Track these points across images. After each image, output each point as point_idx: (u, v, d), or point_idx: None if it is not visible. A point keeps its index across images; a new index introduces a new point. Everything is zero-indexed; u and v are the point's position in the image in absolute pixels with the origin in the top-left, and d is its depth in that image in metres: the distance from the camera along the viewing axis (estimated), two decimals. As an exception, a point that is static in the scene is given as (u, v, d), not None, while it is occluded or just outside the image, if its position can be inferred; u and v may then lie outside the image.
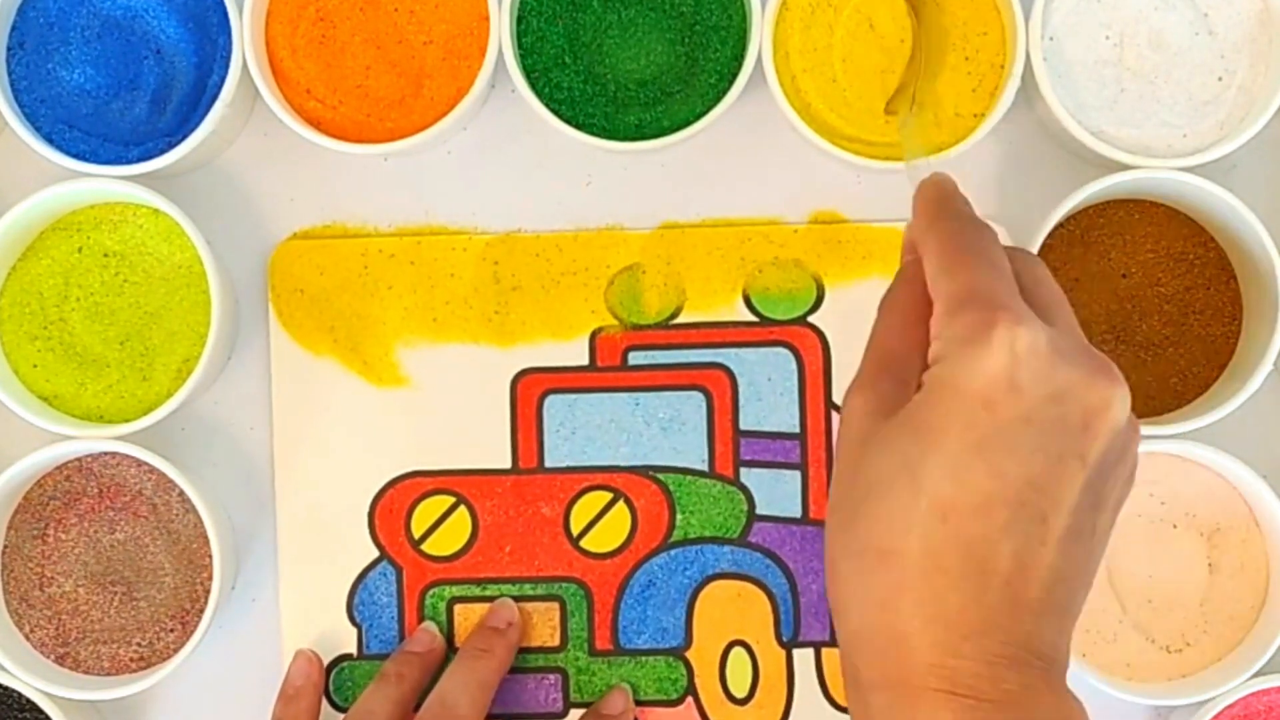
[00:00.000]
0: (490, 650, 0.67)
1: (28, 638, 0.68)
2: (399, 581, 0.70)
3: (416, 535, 0.70)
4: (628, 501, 0.70)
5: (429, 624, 0.69)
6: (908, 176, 0.58)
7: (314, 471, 0.70)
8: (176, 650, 0.67)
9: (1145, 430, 0.66)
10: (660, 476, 0.70)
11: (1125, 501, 0.51)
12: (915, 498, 0.46)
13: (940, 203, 0.53)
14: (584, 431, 0.70)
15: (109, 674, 0.68)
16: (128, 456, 0.68)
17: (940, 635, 0.46)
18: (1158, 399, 0.68)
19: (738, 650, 0.70)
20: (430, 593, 0.70)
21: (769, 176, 0.70)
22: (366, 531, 0.70)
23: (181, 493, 0.68)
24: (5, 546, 0.69)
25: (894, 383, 0.49)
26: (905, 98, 0.65)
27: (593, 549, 0.70)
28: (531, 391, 0.70)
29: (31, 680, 0.66)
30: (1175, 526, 0.68)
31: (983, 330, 0.46)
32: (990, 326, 0.46)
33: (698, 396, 0.70)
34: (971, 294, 0.48)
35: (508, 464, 0.70)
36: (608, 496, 0.70)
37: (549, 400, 0.70)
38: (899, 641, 0.47)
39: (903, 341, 0.50)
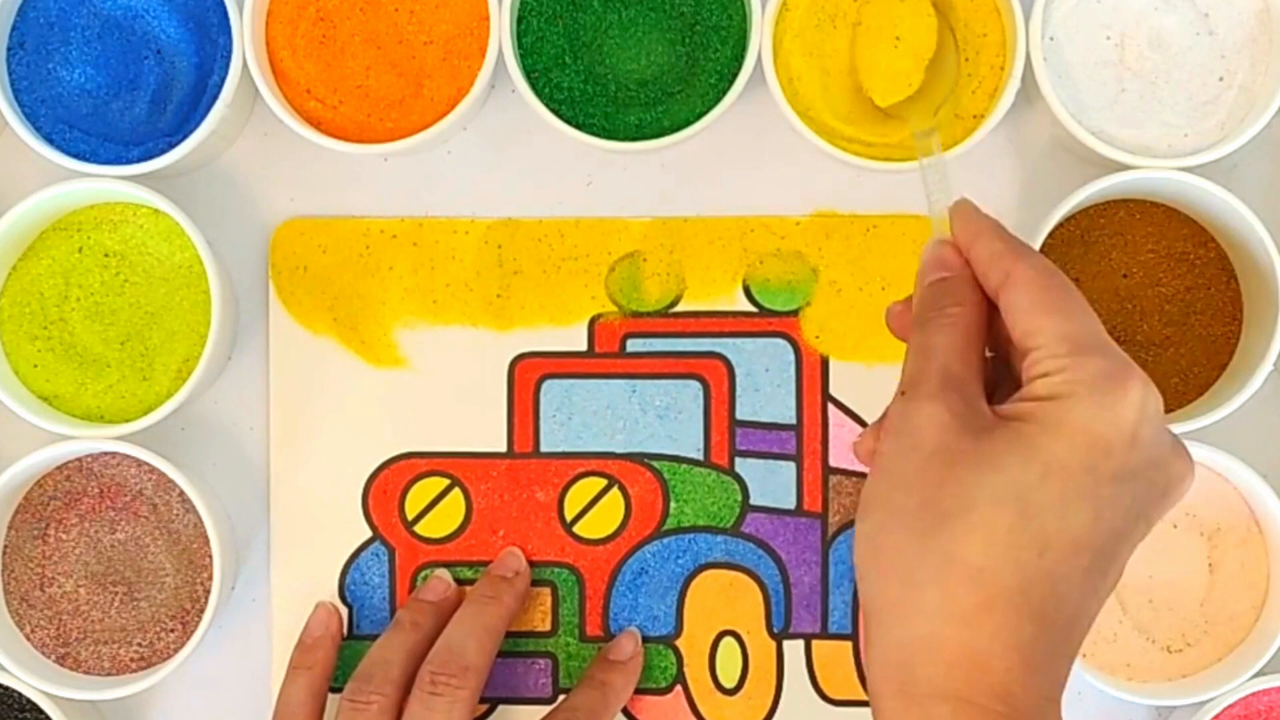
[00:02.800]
0: (497, 597, 0.67)
1: (28, 638, 0.68)
2: (391, 562, 0.70)
3: (410, 516, 0.70)
4: (622, 488, 0.70)
5: (443, 572, 0.69)
6: (923, 182, 0.59)
7: (309, 450, 0.70)
8: (176, 650, 0.67)
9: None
10: (655, 464, 0.70)
11: None
12: (1022, 524, 0.47)
13: (1006, 234, 0.53)
14: (580, 417, 0.70)
15: (109, 674, 0.68)
16: (128, 456, 0.68)
17: (1015, 662, 0.47)
18: (1158, 399, 0.68)
19: (728, 640, 0.70)
20: (422, 574, 0.70)
21: (768, 176, 0.70)
22: (360, 511, 0.70)
23: (181, 493, 0.68)
24: (5, 546, 0.69)
25: (963, 401, 0.50)
26: (928, 106, 0.64)
27: (586, 535, 0.70)
28: (529, 376, 0.70)
29: (32, 680, 0.66)
30: (1175, 526, 0.68)
31: (1119, 382, 0.48)
32: (1127, 380, 0.48)
33: (695, 385, 0.70)
34: (1095, 341, 0.49)
35: (503, 447, 0.70)
36: (602, 483, 0.70)
37: (546, 385, 0.70)
38: (974, 658, 0.47)
39: (963, 363, 0.51)
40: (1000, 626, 0.47)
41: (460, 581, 0.70)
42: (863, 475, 0.69)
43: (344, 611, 0.70)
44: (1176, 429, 0.66)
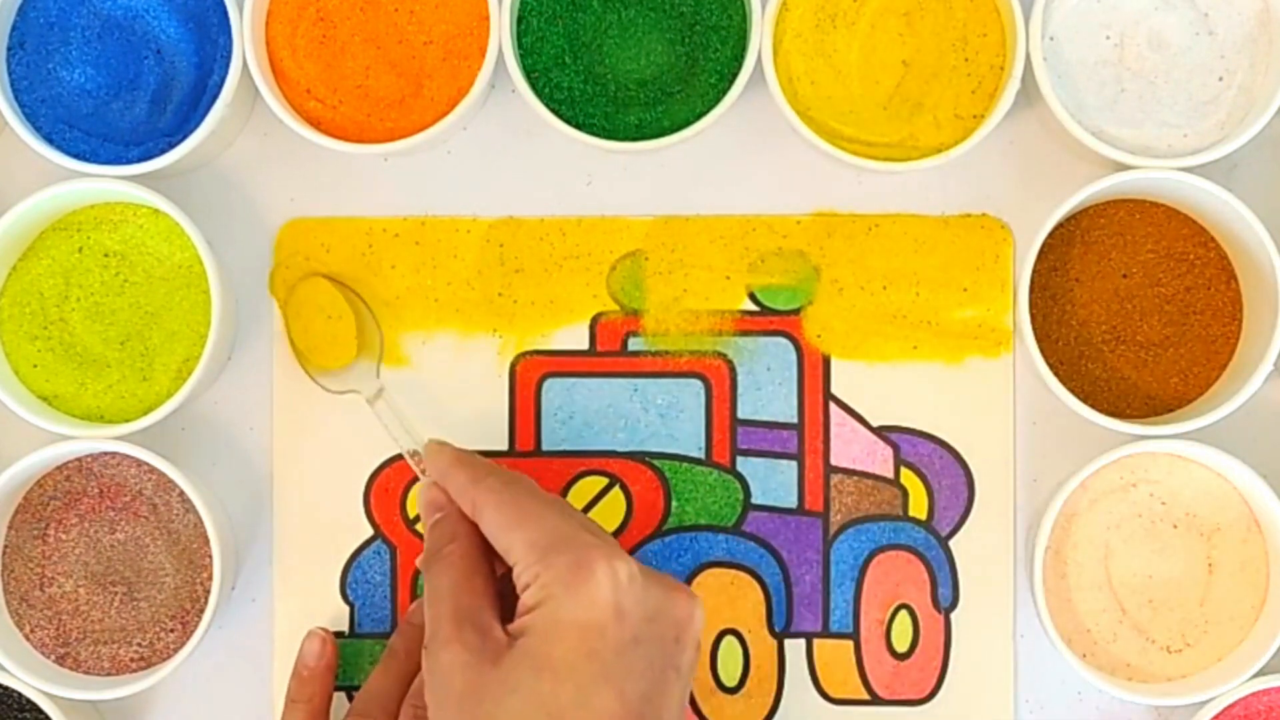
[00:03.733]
0: None
1: (28, 638, 0.68)
2: (393, 561, 0.70)
3: (411, 515, 0.70)
4: (623, 487, 0.70)
5: None
6: (390, 436, 0.65)
7: (311, 449, 0.70)
8: (176, 650, 0.67)
9: (1145, 430, 0.66)
10: (657, 463, 0.70)
11: None
12: None
13: (468, 461, 0.58)
14: (582, 416, 0.70)
15: (109, 674, 0.68)
16: (128, 456, 0.68)
17: None
18: (1158, 399, 0.68)
19: (729, 639, 0.70)
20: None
21: (768, 176, 0.71)
22: (361, 510, 0.70)
23: (181, 493, 0.68)
24: (5, 546, 0.69)
25: (477, 633, 0.53)
26: (365, 370, 0.68)
27: None
28: (530, 374, 0.70)
29: (31, 680, 0.66)
30: (1175, 526, 0.68)
31: (584, 569, 0.52)
32: (590, 564, 0.52)
33: (696, 384, 0.70)
34: (556, 538, 0.53)
35: (505, 446, 0.70)
36: (604, 482, 0.70)
37: (548, 384, 0.70)
38: None
39: (471, 595, 0.55)
40: None
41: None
42: (864, 475, 0.70)
43: (345, 610, 0.70)
44: (1176, 429, 0.66)
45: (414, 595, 0.70)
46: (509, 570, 0.56)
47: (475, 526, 0.57)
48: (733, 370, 0.70)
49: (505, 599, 0.56)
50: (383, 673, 0.66)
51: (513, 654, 0.52)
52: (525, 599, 0.53)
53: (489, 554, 0.57)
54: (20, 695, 0.67)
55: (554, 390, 0.70)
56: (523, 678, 0.52)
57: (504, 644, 0.53)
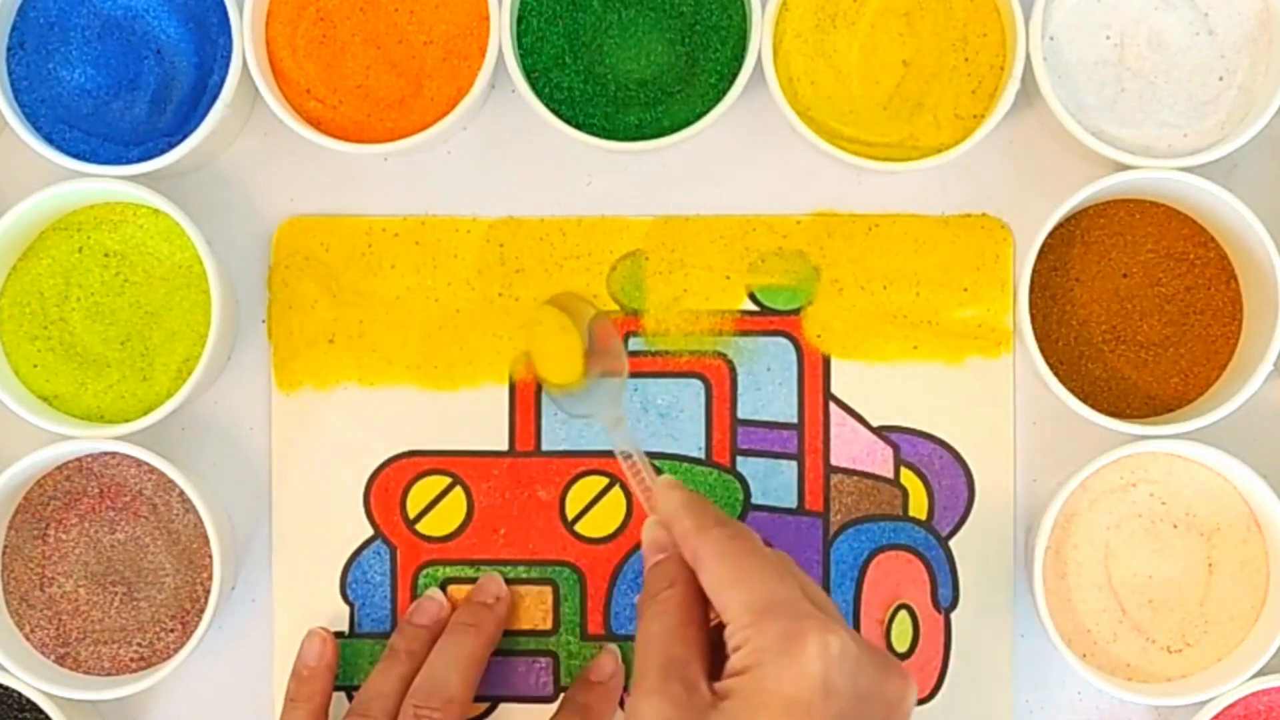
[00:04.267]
0: (478, 625, 0.67)
1: (28, 638, 0.68)
2: (392, 561, 0.70)
3: (411, 515, 0.70)
4: (624, 487, 0.70)
5: (434, 591, 0.69)
6: (626, 472, 0.63)
7: (312, 449, 0.70)
8: (176, 650, 0.67)
9: (1145, 430, 0.66)
10: (657, 463, 0.70)
11: None
12: None
13: (697, 507, 0.56)
14: None
15: (109, 674, 0.68)
16: (128, 456, 0.68)
17: None
18: (1158, 399, 0.68)
19: None
20: (423, 573, 0.70)
21: (768, 176, 0.70)
22: (361, 510, 0.70)
23: (181, 493, 0.68)
24: (5, 546, 0.69)
25: (684, 687, 0.52)
26: (612, 394, 0.66)
27: (587, 533, 0.70)
28: (530, 374, 0.70)
29: (31, 680, 0.66)
30: (1175, 526, 0.68)
31: (796, 640, 0.50)
32: (802, 635, 0.50)
33: (696, 384, 0.70)
34: (772, 603, 0.51)
35: (505, 446, 0.70)
36: (604, 481, 0.70)
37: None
38: None
39: (682, 646, 0.53)
40: None
41: (461, 580, 0.70)
42: (864, 475, 0.70)
43: (345, 610, 0.70)
44: (1177, 429, 0.66)
45: (413, 595, 0.70)
46: (721, 623, 0.54)
47: (694, 574, 0.56)
48: (733, 370, 0.70)
49: (716, 651, 0.54)
50: (383, 673, 0.66)
51: (716, 715, 0.51)
52: (734, 661, 0.52)
53: (705, 603, 0.56)
54: (20, 695, 0.67)
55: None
56: None
57: (708, 702, 0.52)
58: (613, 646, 0.69)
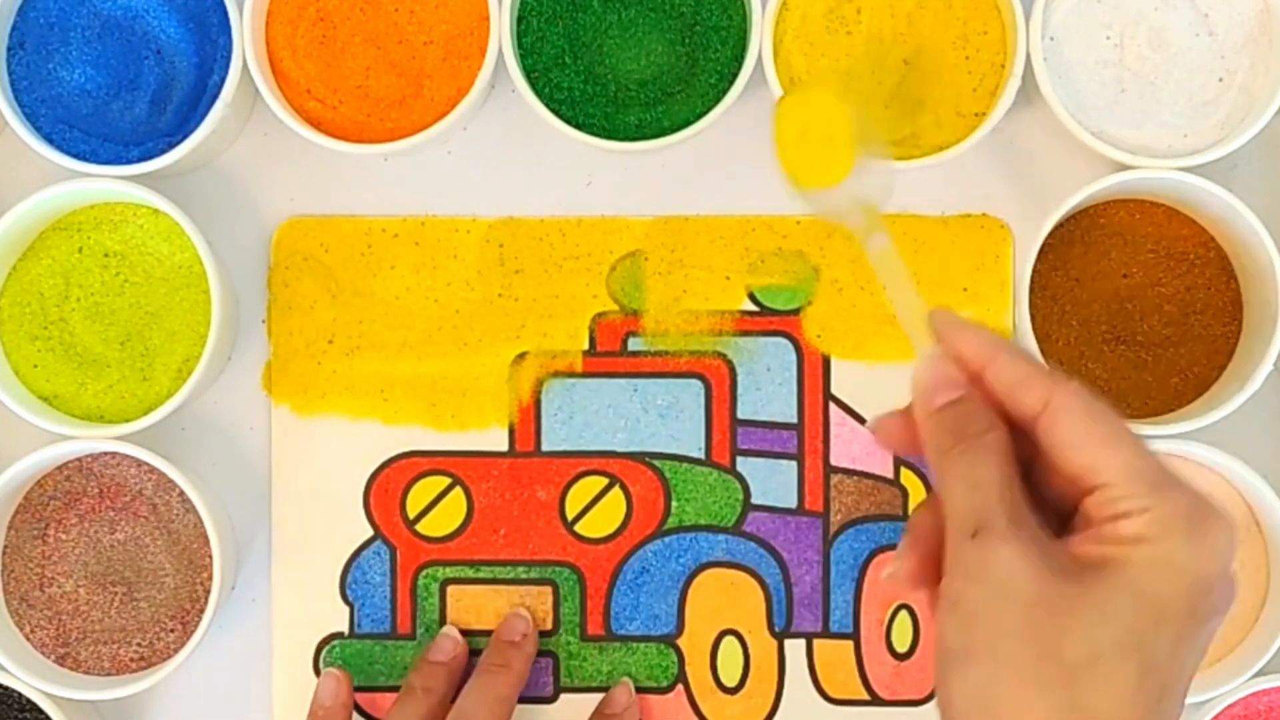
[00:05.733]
0: (507, 665, 0.67)
1: (28, 638, 0.68)
2: (392, 561, 0.70)
3: (411, 515, 0.70)
4: (623, 487, 0.70)
5: (450, 629, 0.69)
6: (886, 288, 0.53)
7: (312, 449, 0.70)
8: (176, 650, 0.67)
9: (1145, 430, 0.66)
10: (656, 463, 0.70)
11: None
12: (1144, 673, 0.47)
13: (1029, 357, 0.51)
14: (582, 416, 0.70)
15: (109, 674, 0.68)
16: (128, 456, 0.68)
17: None
18: (1158, 399, 0.68)
19: (729, 639, 0.70)
20: (423, 573, 0.70)
21: (769, 177, 0.70)
22: (361, 510, 0.70)
23: (181, 493, 0.68)
24: (5, 546, 0.69)
25: (1033, 539, 0.48)
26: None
27: (587, 534, 0.70)
28: (530, 374, 0.70)
29: (31, 680, 0.66)
30: (1175, 526, 0.68)
31: (1206, 519, 0.47)
32: (1212, 516, 0.47)
33: (696, 384, 0.70)
34: (1164, 476, 0.48)
35: (505, 446, 0.70)
36: (604, 482, 0.70)
37: (547, 384, 0.70)
38: None
39: (1019, 494, 0.49)
40: None
41: (461, 581, 0.70)
42: (864, 475, 0.70)
43: (345, 611, 0.70)
44: (1177, 429, 0.66)
45: (413, 596, 0.70)
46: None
47: (1004, 422, 0.50)
48: (732, 370, 0.70)
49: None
50: (400, 710, 0.66)
51: (1103, 578, 0.47)
52: (1121, 528, 0.47)
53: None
54: (20, 695, 0.67)
55: (554, 390, 0.70)
56: (1120, 608, 0.47)
57: (1070, 560, 0.48)
58: (628, 680, 0.69)
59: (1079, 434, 0.49)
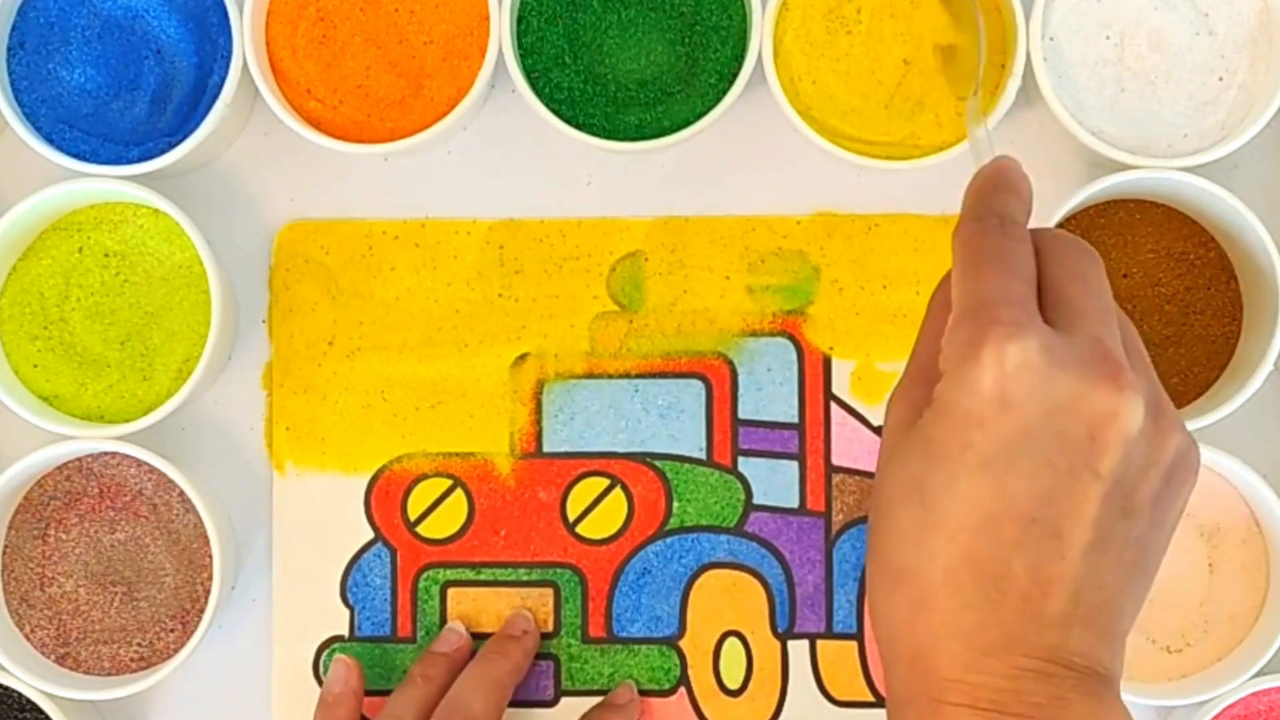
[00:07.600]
0: (505, 653, 0.67)
1: (28, 638, 0.68)
2: (393, 564, 0.70)
3: (412, 517, 0.70)
4: (624, 488, 0.70)
5: (456, 623, 0.69)
6: (973, 159, 0.55)
7: (312, 450, 0.70)
8: (176, 650, 0.67)
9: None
10: (658, 464, 0.70)
11: (1181, 502, 0.49)
12: (924, 517, 0.46)
13: (976, 200, 0.50)
14: (582, 417, 0.70)
15: (109, 674, 0.68)
16: (128, 456, 0.68)
17: (959, 651, 0.45)
18: (1158, 399, 0.68)
19: (732, 641, 0.70)
20: (424, 575, 0.70)
21: (769, 176, 0.70)
22: (362, 512, 0.70)
23: (181, 493, 0.68)
24: (5, 546, 0.69)
25: (926, 392, 0.47)
26: (969, 78, 0.62)
27: (588, 535, 0.70)
28: (531, 375, 0.70)
29: (31, 680, 0.66)
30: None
31: (975, 346, 0.45)
32: (981, 342, 0.45)
33: (697, 385, 0.70)
34: (973, 306, 0.46)
35: (505, 448, 0.70)
36: (605, 483, 0.70)
37: (548, 385, 0.70)
38: (921, 658, 0.46)
39: (933, 349, 0.48)
40: (935, 621, 0.46)
41: (462, 583, 0.70)
42: (866, 474, 0.70)
43: (345, 614, 0.70)
44: (1177, 428, 0.66)
45: (414, 598, 0.70)
46: None
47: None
48: (733, 370, 0.70)
49: None
50: (399, 696, 0.65)
51: (916, 426, 0.47)
52: (939, 367, 0.47)
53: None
54: (20, 695, 0.66)
55: (554, 391, 0.70)
56: (910, 454, 0.47)
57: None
58: (630, 681, 0.69)
59: (954, 273, 0.48)
